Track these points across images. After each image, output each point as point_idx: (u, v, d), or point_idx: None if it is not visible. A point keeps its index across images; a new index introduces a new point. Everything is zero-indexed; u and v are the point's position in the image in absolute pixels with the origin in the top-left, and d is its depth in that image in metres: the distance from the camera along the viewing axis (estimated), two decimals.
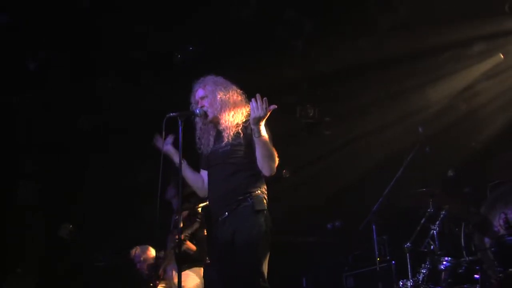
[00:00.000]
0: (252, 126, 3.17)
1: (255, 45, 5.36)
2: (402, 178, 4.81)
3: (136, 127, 5.73)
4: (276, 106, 3.18)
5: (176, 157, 3.41)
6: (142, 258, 5.05)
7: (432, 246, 4.46)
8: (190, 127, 3.50)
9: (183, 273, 4.25)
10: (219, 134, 3.43)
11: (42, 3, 4.86)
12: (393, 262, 5.31)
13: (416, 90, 5.65)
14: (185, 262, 4.45)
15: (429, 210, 4.54)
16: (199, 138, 3.52)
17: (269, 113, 3.15)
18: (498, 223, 4.71)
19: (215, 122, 3.46)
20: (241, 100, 3.46)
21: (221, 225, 3.28)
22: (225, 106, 3.39)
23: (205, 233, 4.62)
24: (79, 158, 5.91)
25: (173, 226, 4.70)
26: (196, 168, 3.57)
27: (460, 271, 4.36)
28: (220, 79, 3.51)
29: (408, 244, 4.48)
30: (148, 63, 5.52)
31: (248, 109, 3.35)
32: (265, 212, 3.24)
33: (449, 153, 5.62)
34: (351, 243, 6.16)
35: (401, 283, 4.40)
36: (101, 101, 5.74)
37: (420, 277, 4.34)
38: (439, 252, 4.47)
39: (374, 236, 4.76)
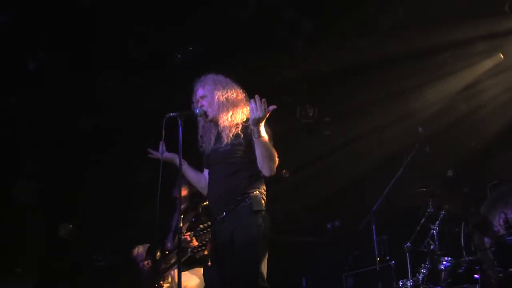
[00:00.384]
0: (252, 127, 3.18)
1: (255, 45, 5.36)
2: (402, 178, 4.81)
3: (136, 127, 5.73)
4: (275, 107, 3.19)
5: (176, 160, 3.41)
6: (144, 257, 5.05)
7: (432, 246, 4.46)
8: (190, 127, 3.49)
9: (184, 273, 4.26)
10: (219, 134, 3.43)
11: (42, 3, 4.85)
12: (393, 262, 5.30)
13: (416, 90, 5.65)
14: (190, 262, 4.44)
15: (429, 210, 4.54)
16: (201, 137, 3.53)
17: (268, 114, 3.15)
18: (498, 223, 4.71)
19: (215, 121, 3.46)
20: (241, 99, 3.46)
21: (220, 225, 3.29)
22: (223, 106, 3.39)
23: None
24: (79, 158, 5.89)
25: (175, 226, 4.70)
26: (197, 168, 3.58)
27: (460, 271, 4.35)
28: (220, 78, 3.51)
29: (408, 244, 4.48)
30: (148, 63, 5.51)
31: (248, 109, 3.34)
32: (263, 212, 3.26)
33: (449, 153, 5.62)
34: (351, 243, 6.15)
35: (401, 283, 4.41)
36: (101, 101, 5.73)
37: (420, 277, 4.35)
38: (439, 252, 4.47)
39: (374, 236, 4.76)
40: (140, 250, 5.03)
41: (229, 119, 3.37)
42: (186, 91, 3.60)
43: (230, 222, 3.24)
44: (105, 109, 5.78)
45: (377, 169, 5.83)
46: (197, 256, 4.03)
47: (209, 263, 4.31)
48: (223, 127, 3.37)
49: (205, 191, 3.55)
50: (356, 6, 5.16)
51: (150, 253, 4.76)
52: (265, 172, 3.26)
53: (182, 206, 4.62)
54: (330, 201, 6.32)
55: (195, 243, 4.32)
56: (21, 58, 5.27)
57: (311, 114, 6.08)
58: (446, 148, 5.54)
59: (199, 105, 3.46)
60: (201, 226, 3.76)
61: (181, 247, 4.17)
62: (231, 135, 3.33)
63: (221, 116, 3.39)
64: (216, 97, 3.40)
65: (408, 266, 4.49)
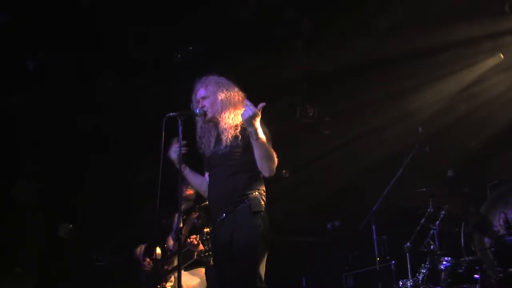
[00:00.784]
0: (248, 129, 3.17)
1: (255, 45, 5.35)
2: (402, 178, 4.80)
3: (136, 127, 5.72)
4: (264, 104, 3.17)
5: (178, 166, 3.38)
6: (142, 257, 5.03)
7: (432, 246, 4.44)
8: (190, 127, 3.49)
9: (184, 273, 4.25)
10: (219, 136, 3.43)
11: (42, 3, 4.85)
12: (393, 262, 5.29)
13: (416, 90, 5.63)
14: (191, 263, 4.42)
15: (429, 210, 4.52)
16: (199, 138, 3.53)
17: (260, 112, 3.14)
18: (498, 223, 4.70)
19: (215, 123, 3.46)
20: (241, 102, 3.45)
21: (219, 226, 3.29)
22: (226, 108, 3.40)
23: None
24: (79, 158, 5.89)
25: (176, 225, 4.68)
26: (197, 170, 3.58)
27: (460, 271, 4.34)
28: (222, 80, 3.51)
29: (408, 244, 4.47)
30: (148, 63, 5.51)
31: None
32: (262, 213, 3.24)
33: (449, 153, 5.60)
34: (351, 243, 6.14)
35: (401, 283, 4.39)
36: (101, 101, 5.73)
37: (420, 277, 4.33)
38: (439, 252, 4.45)
39: (374, 236, 4.75)
40: (143, 249, 5.02)
41: (230, 121, 3.37)
42: (186, 91, 3.59)
43: (229, 223, 3.24)
44: (105, 109, 5.78)
45: (377, 169, 5.82)
46: (204, 260, 4.04)
47: (211, 263, 4.32)
48: (223, 128, 3.37)
49: (206, 194, 3.54)
50: (356, 6, 5.16)
51: (147, 253, 4.75)
52: (265, 173, 3.26)
53: (185, 206, 4.63)
54: (330, 201, 6.31)
55: (201, 247, 4.33)
56: (21, 58, 5.27)
57: (311, 114, 6.07)
58: (446, 148, 5.52)
59: (199, 105, 3.46)
60: (206, 229, 3.75)
61: (188, 250, 4.18)
62: (230, 137, 3.33)
63: (222, 117, 3.39)
64: (219, 99, 3.40)
65: (408, 266, 4.47)
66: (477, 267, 4.34)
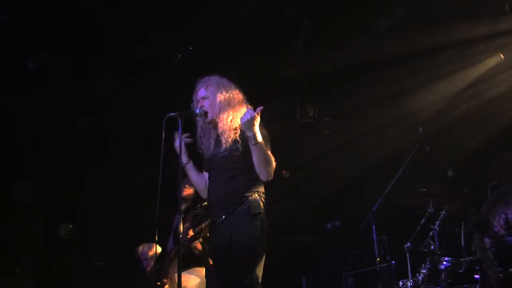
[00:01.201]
0: (247, 133, 3.16)
1: (255, 45, 5.33)
2: (402, 178, 4.79)
3: (136, 127, 5.70)
4: (262, 107, 3.16)
5: (183, 156, 3.39)
6: (149, 256, 5.01)
7: (432, 246, 4.43)
8: (190, 127, 3.48)
9: (185, 273, 4.24)
10: (219, 138, 3.42)
11: (42, 3, 4.84)
12: (393, 262, 5.29)
13: (416, 90, 5.61)
14: (189, 262, 4.41)
15: (429, 210, 4.51)
16: (199, 137, 3.51)
17: (258, 116, 3.13)
18: (498, 223, 4.69)
19: (214, 124, 3.44)
20: (242, 104, 3.43)
21: (219, 228, 3.29)
22: (225, 109, 3.37)
23: (207, 234, 4.59)
24: (79, 158, 5.87)
25: (175, 226, 4.68)
26: (198, 169, 3.55)
27: (460, 271, 4.32)
28: (224, 81, 3.49)
29: (408, 244, 4.45)
30: (148, 63, 5.49)
31: None
32: (261, 215, 3.24)
33: (449, 153, 5.59)
34: (351, 243, 6.13)
35: (401, 283, 4.37)
36: (101, 101, 5.71)
37: (420, 277, 4.32)
38: (439, 252, 4.44)
39: (374, 236, 4.73)
40: (145, 248, 5.01)
41: (229, 123, 3.35)
42: (186, 91, 3.57)
43: (229, 225, 3.23)
44: (105, 109, 5.76)
45: (377, 169, 5.80)
46: (203, 260, 4.02)
47: (211, 262, 4.32)
48: (223, 130, 3.35)
49: (203, 193, 3.54)
50: (356, 6, 5.13)
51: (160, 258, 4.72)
52: (263, 177, 3.26)
53: (184, 206, 4.62)
54: (330, 201, 6.29)
55: (199, 246, 4.31)
56: (21, 58, 5.25)
57: (311, 114, 6.05)
58: (446, 148, 5.50)
59: (199, 105, 3.44)
60: (204, 226, 3.73)
61: (180, 246, 4.16)
62: (230, 140, 3.32)
63: (221, 119, 3.37)
64: (218, 100, 3.38)
65: (408, 266, 4.45)
66: (477, 267, 4.33)
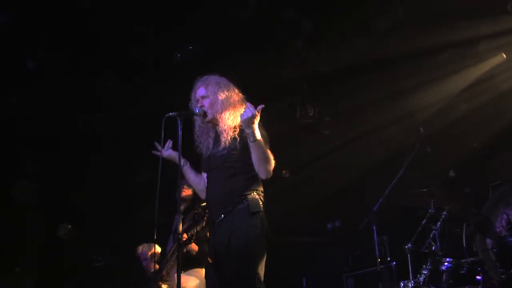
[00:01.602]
0: (246, 131, 3.11)
1: (255, 45, 5.28)
2: (403, 178, 4.72)
3: (136, 127, 5.64)
4: (263, 105, 3.11)
5: (176, 162, 3.33)
6: (148, 256, 4.95)
7: (433, 247, 4.39)
8: (190, 127, 3.42)
9: (184, 274, 4.16)
10: (217, 137, 3.36)
11: (42, 3, 4.78)
12: (394, 263, 5.20)
13: (416, 90, 5.54)
14: (188, 263, 4.34)
15: (430, 210, 4.46)
16: (197, 136, 3.46)
17: (258, 114, 3.08)
18: (500, 224, 4.62)
19: (214, 123, 3.39)
20: (241, 103, 3.38)
21: (218, 228, 3.24)
22: (225, 108, 3.32)
23: (208, 234, 4.53)
24: (79, 158, 5.83)
25: (174, 226, 4.61)
26: (196, 169, 3.50)
27: (461, 272, 4.27)
28: (223, 80, 3.43)
29: (409, 244, 4.40)
30: (148, 63, 5.45)
31: None
32: (260, 214, 3.19)
33: (450, 153, 5.52)
34: (351, 244, 6.07)
35: (402, 284, 4.33)
36: (101, 101, 5.66)
37: (421, 278, 4.26)
38: (440, 253, 4.39)
39: (375, 237, 4.66)
40: (144, 248, 4.95)
41: (229, 122, 3.30)
42: (186, 91, 3.51)
43: (228, 224, 3.18)
44: (105, 109, 5.71)
45: (377, 169, 5.74)
46: (192, 253, 3.91)
47: (209, 260, 4.25)
48: (222, 130, 3.30)
49: (202, 194, 3.49)
50: (356, 6, 5.07)
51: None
52: (262, 175, 3.21)
53: (183, 206, 4.55)
54: (330, 201, 6.23)
55: (195, 247, 4.24)
56: (21, 58, 5.20)
57: (311, 114, 6.00)
58: (447, 148, 5.45)
59: (199, 104, 3.38)
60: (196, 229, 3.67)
61: (180, 247, 4.09)
62: (229, 138, 3.27)
63: (221, 118, 3.32)
64: (220, 99, 3.32)
65: (409, 267, 4.41)
66: (479, 268, 4.27)
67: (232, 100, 3.35)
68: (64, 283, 5.77)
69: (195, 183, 3.51)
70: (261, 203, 3.22)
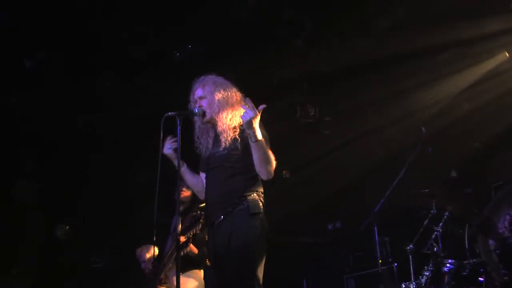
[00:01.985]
0: (247, 131, 3.03)
1: (255, 45, 5.20)
2: (404, 179, 4.62)
3: (136, 127, 5.55)
4: (265, 105, 3.03)
5: (176, 161, 3.25)
6: (146, 258, 4.84)
7: (435, 248, 4.33)
8: (189, 127, 3.35)
9: (182, 276, 4.06)
10: (217, 137, 3.29)
11: (42, 3, 4.69)
12: (395, 264, 5.12)
13: (418, 90, 5.47)
14: (187, 265, 4.24)
15: (432, 211, 4.37)
16: (197, 137, 3.39)
17: (259, 114, 3.01)
18: (503, 225, 4.54)
19: (213, 123, 3.31)
20: (240, 103, 3.30)
21: (217, 229, 3.17)
22: (223, 108, 3.25)
23: (206, 236, 4.43)
24: (79, 158, 5.74)
25: (173, 228, 4.51)
26: (195, 170, 3.43)
27: (464, 273, 4.21)
28: (220, 80, 3.36)
29: (411, 245, 4.34)
30: (147, 63, 5.36)
31: None
32: (260, 215, 3.13)
33: (451, 153, 5.44)
34: (352, 244, 5.98)
35: (403, 286, 4.29)
36: (100, 101, 5.57)
37: (423, 280, 4.20)
38: (442, 254, 4.32)
39: (376, 237, 4.57)
40: (143, 250, 4.86)
41: (228, 122, 3.23)
42: (186, 91, 3.44)
43: (227, 225, 3.11)
44: (105, 109, 5.63)
45: (378, 169, 5.67)
46: (191, 254, 3.82)
47: (208, 263, 4.16)
48: (221, 130, 3.23)
49: (201, 195, 3.42)
50: (356, 6, 4.99)
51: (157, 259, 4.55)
52: (263, 175, 3.14)
53: (182, 208, 4.45)
54: (331, 202, 6.15)
55: (195, 250, 4.15)
56: (20, 58, 5.10)
57: (311, 113, 5.92)
58: (449, 148, 5.37)
59: (197, 105, 3.32)
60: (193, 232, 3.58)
61: (179, 249, 4.00)
62: (229, 138, 3.19)
63: (219, 118, 3.25)
64: (217, 99, 3.26)
65: (411, 268, 4.35)
66: (481, 270, 4.21)
67: (230, 100, 3.29)
68: (64, 284, 5.67)
69: (193, 184, 3.44)
70: (261, 204, 3.16)
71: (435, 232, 4.33)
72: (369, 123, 5.88)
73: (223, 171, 3.17)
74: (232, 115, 3.24)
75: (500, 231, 4.53)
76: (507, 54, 5.08)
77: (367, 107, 5.84)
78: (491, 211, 4.73)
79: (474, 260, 4.35)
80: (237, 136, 3.19)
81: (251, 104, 2.99)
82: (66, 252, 5.72)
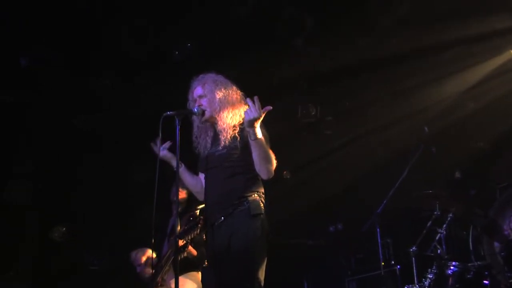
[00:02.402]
0: (247, 129, 2.94)
1: (254, 44, 5.08)
2: (407, 179, 4.49)
3: (135, 127, 5.45)
4: (271, 107, 2.93)
5: (173, 161, 3.18)
6: (142, 261, 4.74)
7: (438, 250, 4.21)
8: (188, 127, 3.24)
9: (181, 277, 3.94)
10: (216, 136, 3.18)
11: (41, 2, 4.58)
12: (398, 266, 5.01)
13: (421, 89, 5.33)
14: (184, 267, 4.12)
15: (435, 212, 4.26)
16: (196, 137, 3.29)
17: (263, 115, 2.91)
18: (508, 227, 4.40)
19: (212, 122, 3.21)
20: (240, 101, 3.21)
21: (217, 230, 3.06)
22: (224, 107, 3.16)
23: (204, 237, 4.31)
24: (77, 158, 5.66)
25: (170, 229, 4.38)
26: (194, 170, 3.32)
27: (468, 276, 4.10)
28: (220, 78, 3.27)
29: (414, 248, 4.22)
30: (147, 62, 5.24)
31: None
32: (261, 216, 3.04)
33: (455, 154, 5.32)
34: (354, 246, 5.87)
35: None
36: (99, 100, 5.47)
37: (427, 283, 4.09)
38: (446, 257, 4.20)
39: (378, 239, 4.45)
40: (138, 254, 4.74)
41: (228, 121, 3.14)
42: (186, 91, 3.34)
43: (228, 226, 3.02)
44: (104, 109, 5.54)
45: (380, 170, 5.56)
46: (189, 256, 3.78)
47: (206, 264, 4.04)
48: (221, 128, 3.13)
49: (200, 196, 3.31)
50: (356, 5, 4.87)
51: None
52: (263, 175, 3.05)
53: (180, 209, 4.33)
54: (332, 202, 6.05)
55: (194, 252, 4.04)
56: (19, 57, 4.98)
57: (313, 113, 5.81)
58: (452, 148, 5.27)
59: (196, 104, 3.21)
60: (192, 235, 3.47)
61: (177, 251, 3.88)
62: (228, 137, 3.10)
63: (220, 117, 3.15)
64: (217, 97, 3.18)
65: (414, 271, 4.23)
66: (486, 273, 4.12)
67: (230, 98, 3.20)
68: (61, 285, 5.58)
69: (191, 185, 3.32)
70: (262, 205, 3.07)
71: (439, 234, 4.22)
72: (371, 123, 5.77)
73: (223, 171, 3.08)
74: (233, 114, 3.15)
75: (506, 233, 4.40)
76: None
77: (369, 107, 5.73)
78: (496, 213, 4.59)
79: (478, 262, 4.26)
80: (236, 135, 3.10)
81: (258, 104, 2.88)
82: (61, 253, 5.65)
